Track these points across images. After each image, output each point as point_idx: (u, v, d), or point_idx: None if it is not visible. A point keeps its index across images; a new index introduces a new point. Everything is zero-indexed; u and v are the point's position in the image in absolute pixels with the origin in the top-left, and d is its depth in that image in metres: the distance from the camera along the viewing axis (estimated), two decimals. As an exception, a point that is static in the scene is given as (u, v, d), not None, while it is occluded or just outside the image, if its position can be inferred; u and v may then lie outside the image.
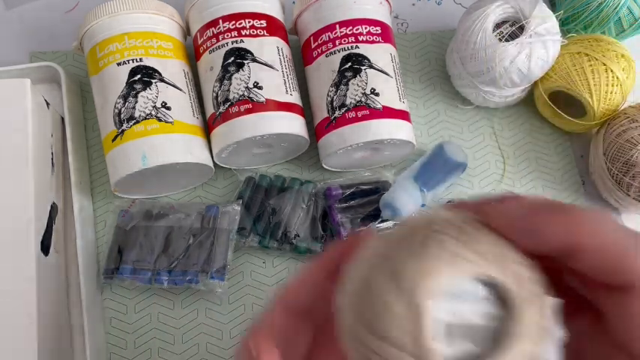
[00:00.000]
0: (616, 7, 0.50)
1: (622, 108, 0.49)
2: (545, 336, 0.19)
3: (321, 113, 0.47)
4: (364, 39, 0.46)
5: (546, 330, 0.19)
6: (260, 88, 0.45)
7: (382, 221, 0.47)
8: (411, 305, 0.18)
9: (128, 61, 0.45)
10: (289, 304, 0.23)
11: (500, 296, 0.19)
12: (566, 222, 0.19)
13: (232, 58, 0.45)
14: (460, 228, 0.20)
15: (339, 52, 0.46)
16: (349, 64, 0.46)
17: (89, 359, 0.42)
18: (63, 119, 0.50)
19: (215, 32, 0.46)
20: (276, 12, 0.48)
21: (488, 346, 0.19)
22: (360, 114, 0.45)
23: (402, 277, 0.19)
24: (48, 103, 0.49)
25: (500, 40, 0.48)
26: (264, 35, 0.46)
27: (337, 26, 0.47)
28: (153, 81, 0.45)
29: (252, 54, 0.45)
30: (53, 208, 0.46)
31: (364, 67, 0.46)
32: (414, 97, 0.54)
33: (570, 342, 0.24)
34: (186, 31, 0.50)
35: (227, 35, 0.46)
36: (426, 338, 0.18)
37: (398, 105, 0.46)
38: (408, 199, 0.46)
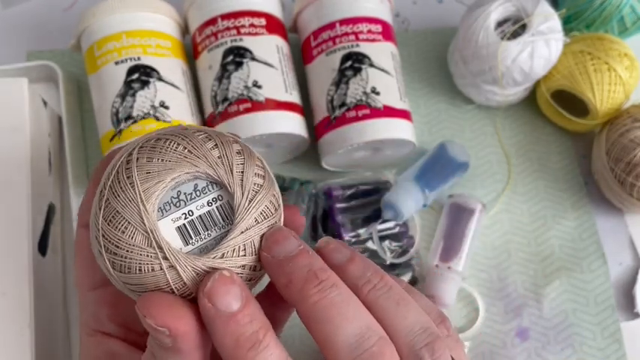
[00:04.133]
0: (619, 6, 0.50)
1: (625, 107, 0.49)
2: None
3: (321, 112, 0.47)
4: (365, 37, 0.46)
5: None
6: (259, 87, 0.44)
7: (383, 222, 0.47)
8: (140, 213, 0.21)
9: (126, 59, 0.44)
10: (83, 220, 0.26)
11: (219, 184, 0.22)
12: None
13: (231, 57, 0.45)
14: (187, 135, 0.22)
15: (339, 50, 0.46)
16: (349, 62, 0.45)
17: (87, 361, 0.42)
18: (60, 118, 0.49)
19: (214, 31, 0.46)
20: (275, 10, 0.48)
21: (226, 224, 0.22)
22: (360, 113, 0.45)
23: (132, 182, 0.21)
24: (45, 103, 0.48)
25: (502, 38, 0.47)
26: (263, 34, 0.46)
27: (337, 24, 0.46)
28: (151, 80, 0.44)
29: (251, 52, 0.45)
30: (50, 209, 0.45)
31: (365, 66, 0.45)
32: (415, 96, 0.53)
33: None
34: (184, 30, 0.50)
35: (226, 34, 0.45)
36: (153, 227, 0.21)
37: (399, 104, 0.46)
38: (409, 200, 0.45)
